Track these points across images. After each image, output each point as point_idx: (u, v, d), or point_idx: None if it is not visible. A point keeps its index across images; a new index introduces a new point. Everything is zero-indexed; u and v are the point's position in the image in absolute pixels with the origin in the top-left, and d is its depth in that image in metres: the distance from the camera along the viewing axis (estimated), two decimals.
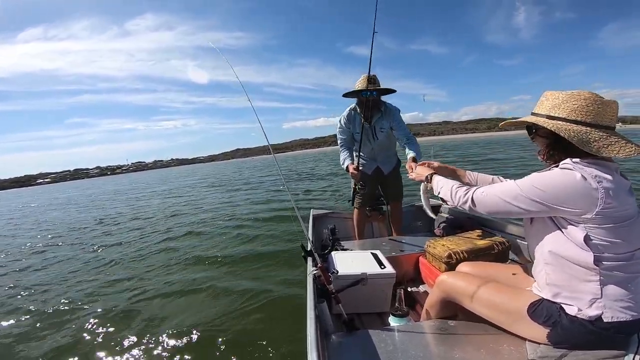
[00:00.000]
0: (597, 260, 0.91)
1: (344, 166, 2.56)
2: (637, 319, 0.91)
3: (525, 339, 1.06)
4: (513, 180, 1.06)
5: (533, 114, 1.08)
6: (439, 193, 1.31)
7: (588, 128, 0.95)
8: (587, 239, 0.92)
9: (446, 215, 2.90)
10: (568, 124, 0.97)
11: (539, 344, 1.01)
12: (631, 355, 0.90)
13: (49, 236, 7.64)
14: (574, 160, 0.95)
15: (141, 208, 11.08)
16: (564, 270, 0.97)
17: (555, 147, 1.02)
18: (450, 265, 1.71)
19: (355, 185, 2.62)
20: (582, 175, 0.90)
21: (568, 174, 0.92)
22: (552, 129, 0.98)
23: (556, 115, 0.99)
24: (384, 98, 2.56)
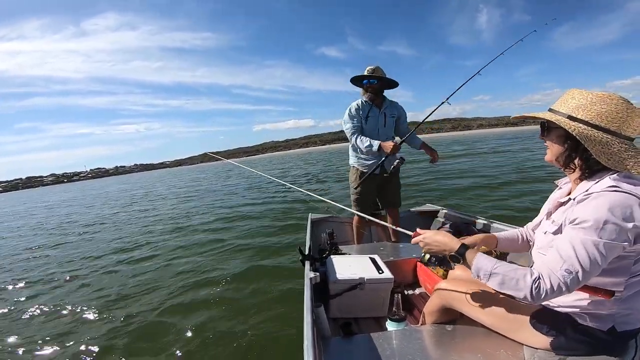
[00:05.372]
0: (630, 275, 0.87)
1: (375, 147, 2.42)
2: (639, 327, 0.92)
3: (523, 344, 1.05)
4: (569, 238, 0.84)
5: (551, 110, 0.97)
6: (479, 278, 0.96)
7: (610, 136, 0.86)
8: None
9: (442, 220, 2.91)
10: (590, 128, 0.87)
11: (537, 349, 1.01)
12: None
13: None
14: (612, 177, 0.84)
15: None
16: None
17: (576, 153, 0.91)
18: (448, 270, 1.71)
19: (358, 190, 2.60)
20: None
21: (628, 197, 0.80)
22: (575, 134, 0.87)
23: (579, 117, 0.89)
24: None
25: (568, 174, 0.99)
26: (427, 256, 1.12)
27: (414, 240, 1.16)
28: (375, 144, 2.41)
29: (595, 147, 0.86)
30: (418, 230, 1.18)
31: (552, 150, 0.98)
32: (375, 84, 2.49)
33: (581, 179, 0.94)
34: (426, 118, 2.65)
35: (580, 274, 0.81)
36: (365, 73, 2.51)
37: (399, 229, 1.39)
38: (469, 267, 0.99)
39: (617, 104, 0.87)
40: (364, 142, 2.46)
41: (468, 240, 1.20)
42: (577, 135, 0.87)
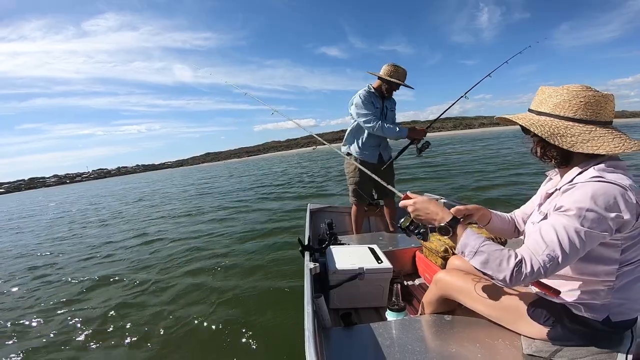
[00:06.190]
0: (620, 263, 0.87)
1: (405, 133, 2.46)
2: (635, 318, 0.92)
3: (520, 334, 1.06)
4: (552, 224, 0.84)
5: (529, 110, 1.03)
6: (464, 255, 0.93)
7: (570, 122, 0.89)
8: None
9: None
10: (551, 118, 0.92)
11: (534, 339, 1.01)
12: (624, 352, 0.90)
13: None
14: (597, 167, 0.85)
15: None
16: (577, 272, 0.92)
17: (548, 144, 0.93)
18: (447, 260, 1.72)
19: (357, 181, 2.61)
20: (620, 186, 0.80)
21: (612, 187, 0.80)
22: (522, 124, 0.94)
23: (541, 110, 0.95)
24: None
25: (548, 164, 1.01)
26: (407, 223, 1.06)
27: (402, 203, 1.07)
28: (405, 130, 2.46)
29: (547, 132, 0.90)
30: (408, 193, 1.08)
31: (532, 146, 1.02)
32: (397, 86, 2.56)
33: (560, 167, 0.98)
34: (445, 111, 2.80)
35: (560, 259, 0.81)
36: (398, 74, 2.48)
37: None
38: (456, 241, 0.95)
39: (570, 92, 0.90)
40: (392, 128, 2.44)
41: (465, 207, 1.17)
42: (525, 125, 0.93)
